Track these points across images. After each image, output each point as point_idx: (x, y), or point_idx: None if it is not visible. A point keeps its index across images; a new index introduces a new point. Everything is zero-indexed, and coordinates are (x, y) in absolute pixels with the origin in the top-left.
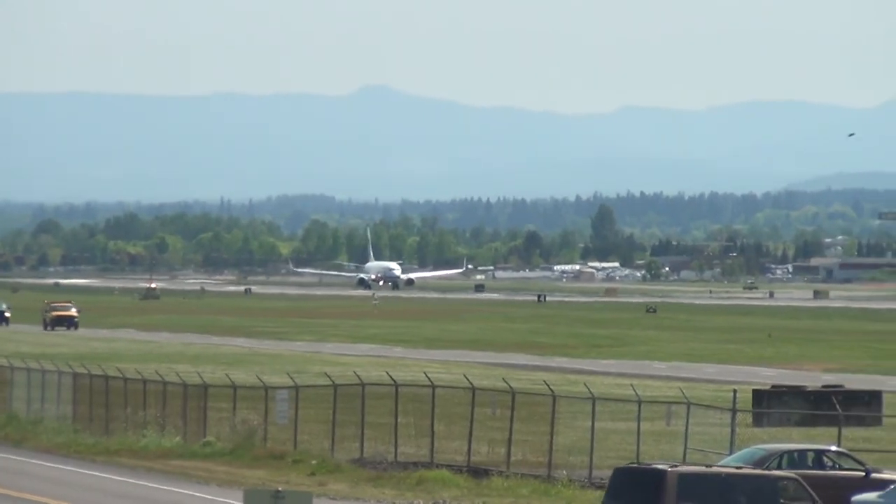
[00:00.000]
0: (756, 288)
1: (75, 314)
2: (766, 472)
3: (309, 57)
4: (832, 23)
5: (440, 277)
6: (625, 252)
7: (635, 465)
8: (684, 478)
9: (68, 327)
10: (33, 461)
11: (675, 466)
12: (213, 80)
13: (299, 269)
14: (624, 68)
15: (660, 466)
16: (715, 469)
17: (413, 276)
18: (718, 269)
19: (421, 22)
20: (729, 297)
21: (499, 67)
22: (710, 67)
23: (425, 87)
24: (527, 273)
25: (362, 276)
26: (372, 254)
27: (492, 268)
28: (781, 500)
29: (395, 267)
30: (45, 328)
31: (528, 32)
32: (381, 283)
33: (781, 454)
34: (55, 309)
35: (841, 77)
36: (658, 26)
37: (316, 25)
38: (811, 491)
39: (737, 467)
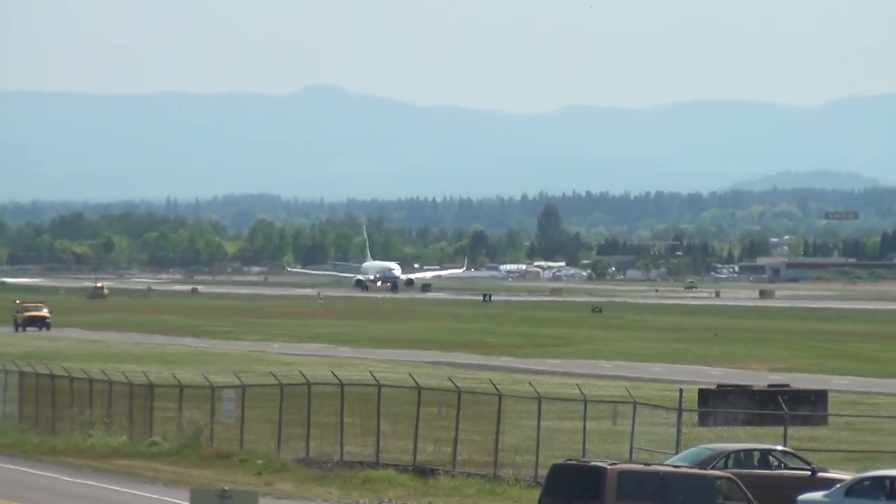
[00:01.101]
0: (696, 287)
1: (47, 315)
2: (704, 471)
3: (254, 56)
4: (778, 22)
5: (441, 277)
6: (571, 251)
7: (574, 463)
8: (624, 476)
9: (40, 328)
10: None
11: (615, 464)
12: (160, 80)
13: (294, 269)
14: (570, 67)
15: (599, 464)
16: (653, 467)
17: (413, 276)
18: (664, 269)
19: (367, 21)
20: (675, 297)
21: (445, 67)
22: (656, 66)
23: (371, 87)
24: (473, 272)
25: (360, 276)
26: (369, 253)
27: (438, 267)
28: (718, 500)
29: (395, 267)
30: (17, 329)
31: (473, 31)
32: (379, 283)
33: (728, 454)
34: (27, 309)
35: (787, 76)
36: (604, 25)
37: (261, 25)
38: (746, 491)
39: (675, 466)
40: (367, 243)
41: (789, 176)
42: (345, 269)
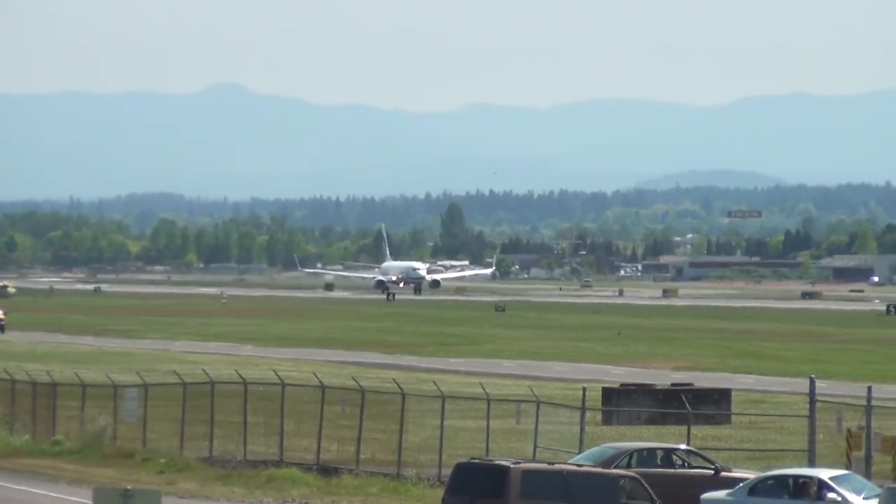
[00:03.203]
0: (591, 286)
1: (2, 317)
2: (607, 470)
3: (157, 55)
4: (681, 21)
5: (467, 278)
6: (474, 250)
7: (477, 461)
8: (527, 475)
9: None
10: None
11: (518, 463)
12: (62, 79)
13: (308, 270)
14: (471, 66)
15: (503, 463)
16: (557, 466)
17: (439, 277)
18: (568, 268)
19: (270, 20)
20: (578, 296)
21: (347, 66)
22: (559, 65)
23: (274, 86)
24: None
25: (380, 277)
26: (388, 253)
27: (341, 266)
28: (622, 499)
29: (420, 266)
30: None
31: (375, 31)
32: (401, 284)
33: (631, 452)
34: None
35: (691, 76)
36: (504, 25)
37: (164, 23)
38: (650, 490)
39: (578, 465)
40: (386, 242)
41: (692, 175)
42: (354, 268)
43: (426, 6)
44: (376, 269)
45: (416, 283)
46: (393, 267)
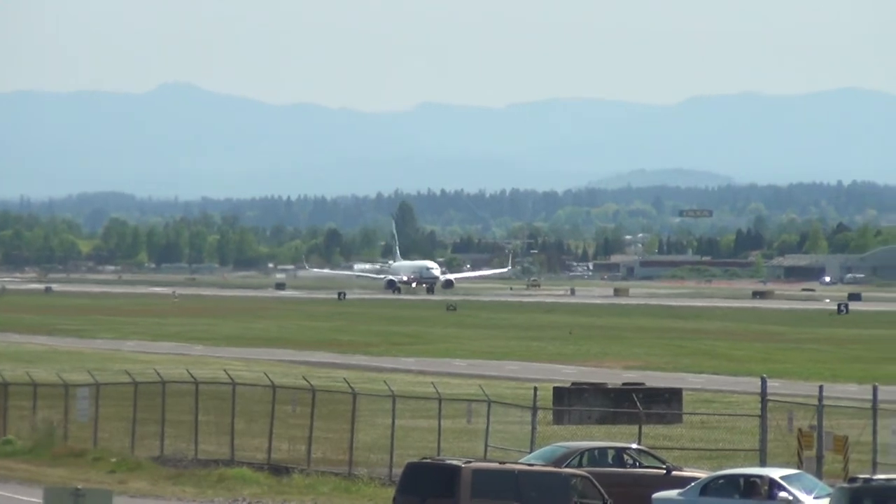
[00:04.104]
0: (539, 285)
1: None
2: (558, 469)
3: (108, 55)
4: (632, 20)
5: (482, 278)
6: (425, 250)
7: (428, 461)
8: (478, 474)
9: None
10: None
11: (470, 462)
12: (14, 78)
13: (315, 270)
14: (423, 66)
15: (454, 462)
16: (508, 466)
17: (453, 276)
18: (519, 267)
19: (220, 20)
20: (530, 295)
21: (299, 65)
22: (510, 64)
23: (225, 85)
24: (327, 271)
25: (391, 277)
26: (398, 251)
27: (292, 266)
28: (573, 498)
29: (433, 266)
30: None
31: (327, 30)
32: (413, 285)
33: (582, 452)
34: None
35: (641, 75)
36: (458, 23)
37: (114, 23)
38: (601, 489)
39: (529, 465)
40: (396, 239)
41: (643, 174)
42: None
43: (381, 5)
44: (374, 265)
45: (429, 283)
46: (404, 266)
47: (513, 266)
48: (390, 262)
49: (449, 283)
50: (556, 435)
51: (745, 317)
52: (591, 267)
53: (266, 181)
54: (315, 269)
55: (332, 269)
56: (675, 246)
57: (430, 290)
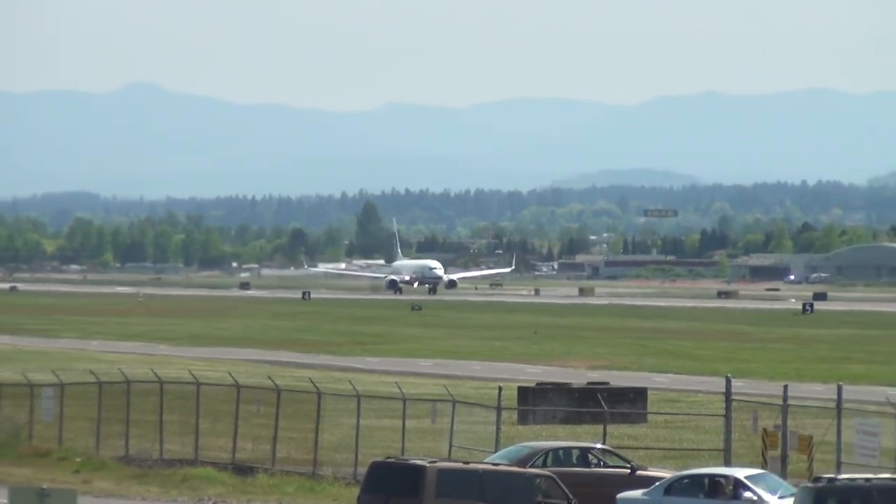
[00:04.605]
0: (501, 285)
1: None
2: (523, 469)
3: (73, 54)
4: (596, 21)
5: (486, 278)
6: (390, 249)
7: (393, 460)
8: (443, 474)
9: None
10: None
11: (434, 462)
12: None
13: (314, 269)
14: (389, 65)
15: (418, 462)
16: (472, 465)
17: (456, 276)
18: (484, 267)
19: (185, 19)
20: (494, 294)
21: (264, 65)
22: (475, 64)
23: (190, 85)
24: (292, 271)
25: (393, 277)
26: (399, 251)
27: (257, 265)
28: (538, 498)
29: (437, 266)
30: None
31: (293, 29)
32: (415, 285)
33: (547, 452)
34: None
35: (606, 75)
36: (423, 22)
37: (80, 22)
38: (565, 489)
39: (494, 465)
40: (397, 238)
41: (608, 174)
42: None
43: (347, 6)
44: (339, 265)
45: (431, 283)
46: (405, 266)
47: (477, 265)
48: (381, 260)
49: (452, 284)
50: (520, 435)
51: (710, 316)
52: (556, 266)
53: (231, 181)
54: (314, 269)
55: (303, 268)
56: (640, 246)
57: (433, 291)
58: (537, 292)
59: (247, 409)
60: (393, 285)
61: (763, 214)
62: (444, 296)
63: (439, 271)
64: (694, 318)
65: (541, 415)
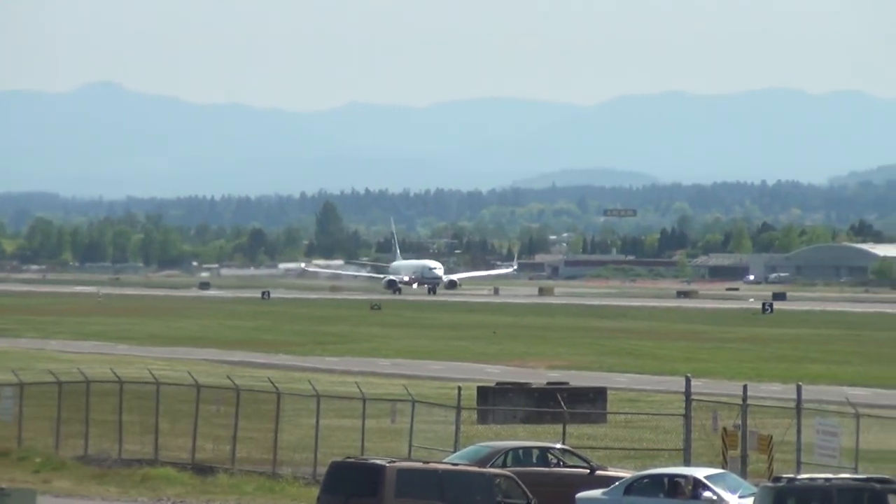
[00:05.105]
0: (458, 285)
1: None
2: (482, 469)
3: (31, 53)
4: (555, 21)
5: (486, 278)
6: (350, 249)
7: (352, 460)
8: (402, 473)
9: None
10: None
11: (394, 462)
12: None
13: (307, 268)
14: (349, 65)
15: (378, 462)
16: (432, 465)
17: (456, 276)
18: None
19: (145, 18)
20: (454, 294)
21: (224, 64)
22: (435, 64)
23: (149, 84)
24: (252, 270)
25: (391, 277)
26: (398, 251)
27: (217, 265)
28: (497, 498)
29: (436, 266)
30: None
31: (253, 29)
32: (415, 285)
33: (506, 451)
34: None
35: (565, 75)
36: (384, 22)
37: (38, 21)
38: (525, 489)
39: (453, 464)
40: (395, 238)
41: (568, 174)
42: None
43: (309, 6)
44: (299, 264)
45: (431, 283)
46: (404, 266)
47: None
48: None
49: (452, 284)
50: (480, 434)
51: (670, 316)
52: (515, 266)
53: (191, 181)
54: (312, 268)
55: (322, 268)
56: (600, 245)
57: (432, 291)
58: (497, 292)
59: (206, 408)
60: (392, 285)
61: (723, 214)
62: (405, 295)
63: (439, 271)
64: (653, 317)
65: (500, 414)
